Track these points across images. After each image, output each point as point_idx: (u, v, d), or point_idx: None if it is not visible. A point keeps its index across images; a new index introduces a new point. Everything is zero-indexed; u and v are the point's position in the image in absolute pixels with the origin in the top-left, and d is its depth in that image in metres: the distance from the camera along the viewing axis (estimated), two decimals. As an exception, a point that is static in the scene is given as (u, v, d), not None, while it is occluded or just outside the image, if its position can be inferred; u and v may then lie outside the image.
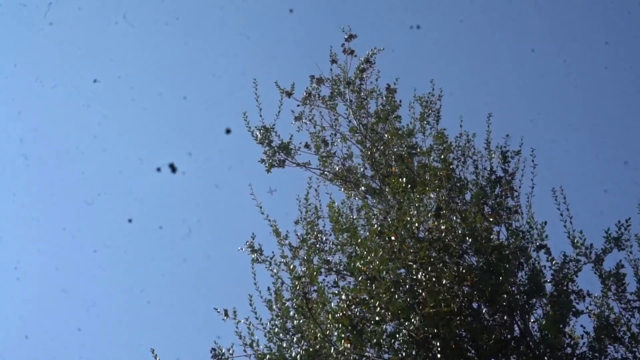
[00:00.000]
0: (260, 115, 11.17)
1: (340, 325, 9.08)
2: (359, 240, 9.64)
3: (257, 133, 11.13)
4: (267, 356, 9.42)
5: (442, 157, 10.24)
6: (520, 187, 10.22)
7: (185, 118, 16.91)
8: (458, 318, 9.21)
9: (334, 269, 10.42)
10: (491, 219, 9.83)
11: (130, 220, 14.49)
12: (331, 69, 11.59)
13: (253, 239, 10.31)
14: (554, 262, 9.51)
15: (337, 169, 11.23)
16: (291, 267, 9.98)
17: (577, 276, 9.42)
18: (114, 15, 15.68)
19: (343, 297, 9.16)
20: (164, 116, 16.92)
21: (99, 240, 16.11)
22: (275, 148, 11.16)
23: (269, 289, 10.11)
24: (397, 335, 8.97)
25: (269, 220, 10.51)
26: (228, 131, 13.15)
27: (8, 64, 16.04)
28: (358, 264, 9.28)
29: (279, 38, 17.64)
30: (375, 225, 9.61)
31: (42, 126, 16.50)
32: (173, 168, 12.65)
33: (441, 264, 9.36)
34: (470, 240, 9.49)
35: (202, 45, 17.40)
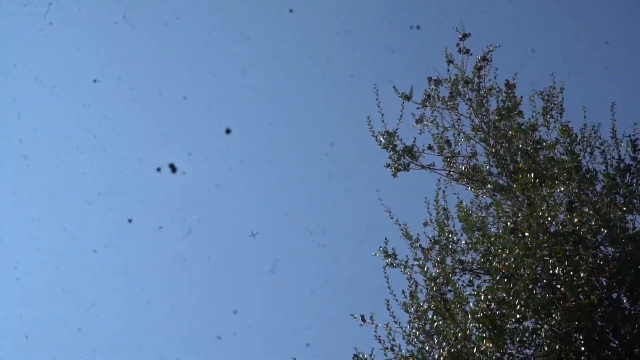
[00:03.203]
0: (383, 121, 11.29)
1: (480, 324, 9.15)
2: (492, 239, 9.69)
3: (381, 138, 11.24)
4: (410, 359, 9.52)
5: (569, 149, 10.22)
6: (650, 173, 10.14)
7: (185, 118, 17.04)
8: (599, 310, 9.20)
9: (468, 269, 10.48)
10: (624, 208, 9.77)
11: (130, 220, 14.67)
12: (448, 70, 11.63)
13: (386, 244, 10.44)
14: (692, 248, 9.41)
15: (462, 168, 11.26)
16: (425, 269, 10.09)
17: None
18: (114, 15, 15.87)
19: (482, 297, 9.22)
20: (164, 116, 17.06)
21: (99, 240, 16.28)
22: (400, 152, 11.26)
23: (403, 292, 10.22)
24: (539, 332, 9.00)
25: (399, 225, 10.63)
26: (228, 131, 13.32)
27: (8, 64, 16.35)
28: (494, 262, 9.34)
29: (280, 38, 17.69)
30: (509, 223, 9.64)
31: (42, 126, 16.77)
32: (173, 168, 12.80)
33: (577, 257, 9.35)
34: (605, 231, 9.45)
35: (202, 45, 17.53)
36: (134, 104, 16.54)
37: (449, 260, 10.44)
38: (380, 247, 10.43)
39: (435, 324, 9.69)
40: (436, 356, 9.44)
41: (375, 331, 9.96)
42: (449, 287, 10.00)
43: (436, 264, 10.27)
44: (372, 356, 9.81)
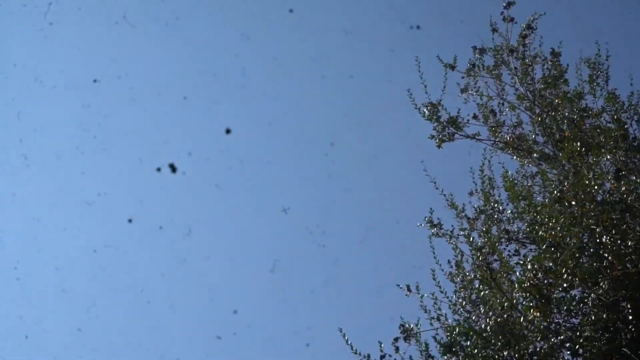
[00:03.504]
0: (426, 92, 11.24)
1: (527, 294, 9.14)
2: (538, 208, 9.66)
3: (425, 110, 11.21)
4: (457, 329, 9.53)
5: (616, 117, 10.15)
6: (699, 141, 10.05)
7: (185, 118, 16.96)
8: (647, 278, 9.16)
9: (514, 238, 10.46)
10: (672, 176, 9.70)
11: (130, 220, 14.66)
12: (493, 39, 11.53)
13: (431, 214, 10.45)
14: None
15: (507, 137, 11.21)
16: (471, 238, 10.08)
17: None
18: (114, 15, 15.80)
19: (529, 266, 9.20)
20: (164, 116, 16.99)
21: (99, 240, 16.23)
22: (444, 123, 11.22)
23: (449, 262, 10.22)
24: (586, 300, 8.98)
25: (444, 195, 10.63)
26: (228, 131, 13.30)
27: (8, 64, 16.36)
28: (540, 231, 9.31)
29: (280, 38, 17.55)
30: (555, 192, 9.60)
31: (42, 126, 16.76)
32: (173, 168, 12.80)
33: (625, 226, 9.30)
34: (653, 199, 9.41)
35: (202, 45, 17.43)
36: (134, 104, 16.54)
37: (494, 229, 10.43)
38: (426, 217, 10.45)
39: (481, 294, 9.70)
40: (483, 325, 9.44)
41: (421, 301, 9.99)
42: (495, 257, 10.00)
43: (482, 234, 10.26)
44: (418, 326, 9.83)
